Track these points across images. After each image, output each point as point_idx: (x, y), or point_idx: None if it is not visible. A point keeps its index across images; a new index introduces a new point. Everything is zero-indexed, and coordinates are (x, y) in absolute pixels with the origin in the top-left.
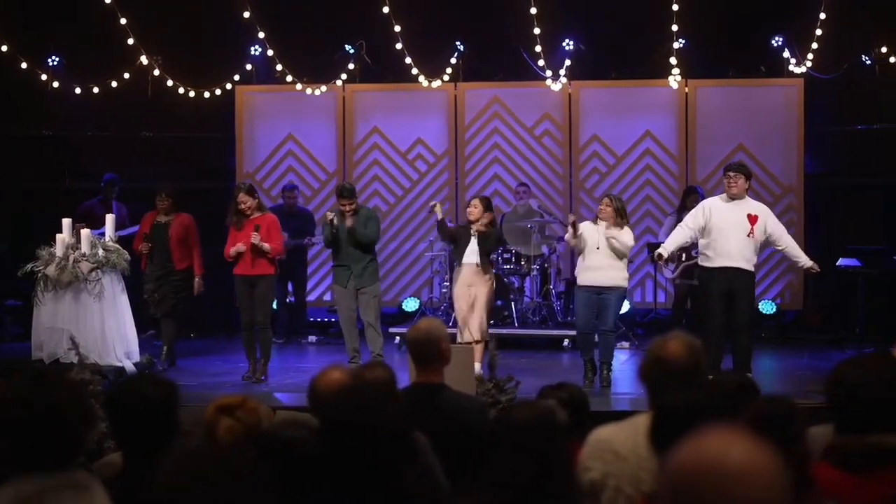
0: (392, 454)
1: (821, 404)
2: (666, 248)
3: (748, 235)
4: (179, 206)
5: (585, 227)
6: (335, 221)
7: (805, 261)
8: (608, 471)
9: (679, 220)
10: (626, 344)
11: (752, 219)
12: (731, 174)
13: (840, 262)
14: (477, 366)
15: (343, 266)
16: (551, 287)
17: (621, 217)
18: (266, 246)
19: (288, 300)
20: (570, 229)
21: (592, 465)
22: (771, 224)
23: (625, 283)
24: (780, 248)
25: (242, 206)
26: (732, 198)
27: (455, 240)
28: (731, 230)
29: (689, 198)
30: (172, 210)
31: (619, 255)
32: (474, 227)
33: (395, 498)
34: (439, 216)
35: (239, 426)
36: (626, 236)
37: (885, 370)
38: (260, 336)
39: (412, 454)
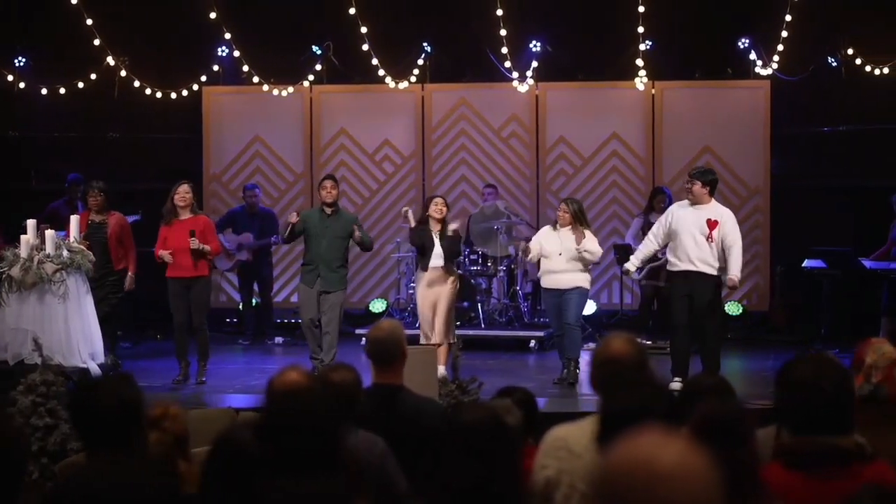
0: (323, 453)
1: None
2: (633, 264)
3: (707, 240)
4: (112, 204)
5: (544, 234)
6: (295, 225)
7: (731, 274)
8: (563, 468)
9: (646, 221)
10: (592, 345)
11: (712, 224)
12: (689, 179)
13: (806, 263)
14: (441, 368)
15: (311, 266)
16: (518, 288)
17: (580, 222)
18: (207, 248)
19: (254, 301)
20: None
21: (548, 463)
22: (725, 230)
23: (586, 284)
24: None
25: (181, 203)
26: (693, 203)
27: (424, 246)
28: (690, 234)
29: (656, 199)
30: (105, 208)
31: (587, 263)
32: (438, 228)
33: (330, 498)
34: (412, 223)
35: (168, 437)
36: (592, 244)
37: (830, 372)
38: (197, 338)
39: (340, 454)
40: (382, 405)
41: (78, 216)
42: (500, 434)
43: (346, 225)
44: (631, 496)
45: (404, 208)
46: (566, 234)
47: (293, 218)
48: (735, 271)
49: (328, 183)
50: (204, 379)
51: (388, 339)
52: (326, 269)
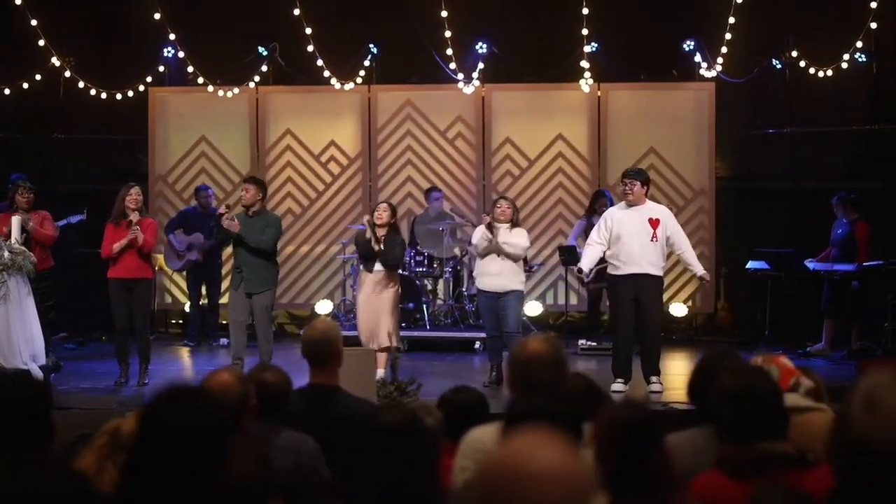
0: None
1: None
2: (584, 265)
3: (651, 240)
4: (40, 203)
5: (479, 235)
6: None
7: (698, 269)
8: None
9: (588, 223)
10: None
11: (654, 223)
12: (627, 181)
13: (749, 264)
14: (381, 371)
15: (237, 269)
16: (463, 289)
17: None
18: (141, 236)
19: (201, 302)
20: (486, 231)
21: (466, 465)
22: (671, 227)
23: (521, 286)
24: (677, 252)
25: (132, 205)
26: (631, 204)
27: (368, 253)
28: (635, 237)
29: (598, 202)
30: (34, 207)
31: (515, 259)
32: (382, 234)
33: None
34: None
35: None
36: (517, 238)
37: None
38: (138, 341)
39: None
40: (316, 405)
41: (19, 217)
42: (416, 435)
43: (264, 225)
44: (506, 495)
45: (366, 217)
46: (502, 232)
47: (222, 209)
48: (698, 265)
49: (245, 185)
50: (146, 381)
51: (322, 339)
52: (250, 271)
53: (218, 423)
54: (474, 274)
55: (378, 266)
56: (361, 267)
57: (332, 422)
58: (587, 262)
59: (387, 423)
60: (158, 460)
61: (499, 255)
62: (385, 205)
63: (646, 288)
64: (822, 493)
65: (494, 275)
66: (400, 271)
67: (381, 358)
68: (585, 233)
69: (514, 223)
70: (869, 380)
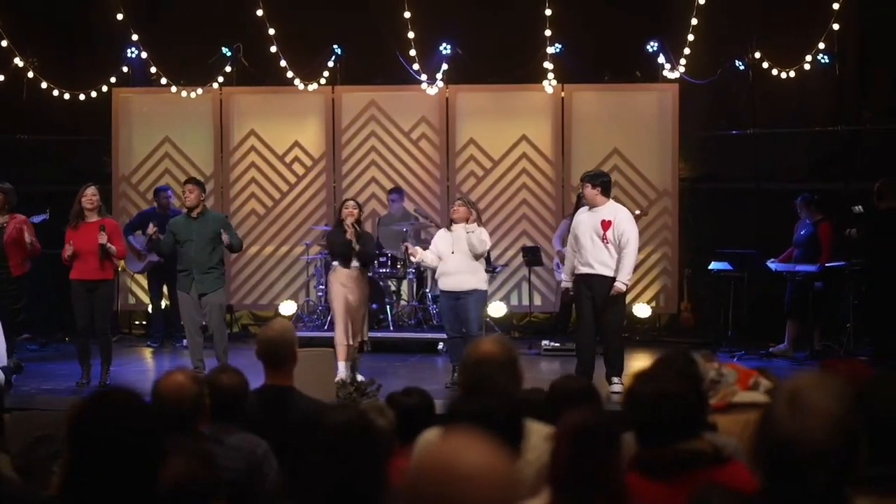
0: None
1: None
2: (566, 281)
3: (602, 241)
4: (13, 206)
5: (438, 237)
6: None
7: (621, 276)
8: None
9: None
10: None
11: (606, 224)
12: (581, 184)
13: (712, 265)
14: (342, 366)
15: (185, 271)
16: (427, 290)
17: (477, 220)
18: (113, 248)
19: (163, 304)
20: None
21: None
22: (619, 229)
23: (483, 286)
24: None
25: (89, 205)
26: (589, 207)
27: (344, 252)
28: (588, 238)
29: (581, 203)
30: (5, 209)
31: (476, 253)
32: (352, 232)
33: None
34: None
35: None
36: (484, 234)
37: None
38: (100, 342)
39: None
40: (272, 407)
41: None
42: (365, 435)
43: (214, 226)
44: (432, 495)
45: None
46: (459, 231)
47: (151, 229)
48: (623, 276)
49: (187, 187)
50: (108, 382)
51: (278, 339)
52: (199, 273)
53: (149, 425)
54: (436, 276)
55: (355, 262)
56: (336, 263)
57: (288, 423)
58: (567, 273)
59: (335, 423)
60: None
61: (453, 253)
62: (353, 202)
63: (598, 288)
64: (738, 487)
65: (452, 273)
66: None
67: (343, 351)
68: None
69: (477, 223)
70: (794, 379)
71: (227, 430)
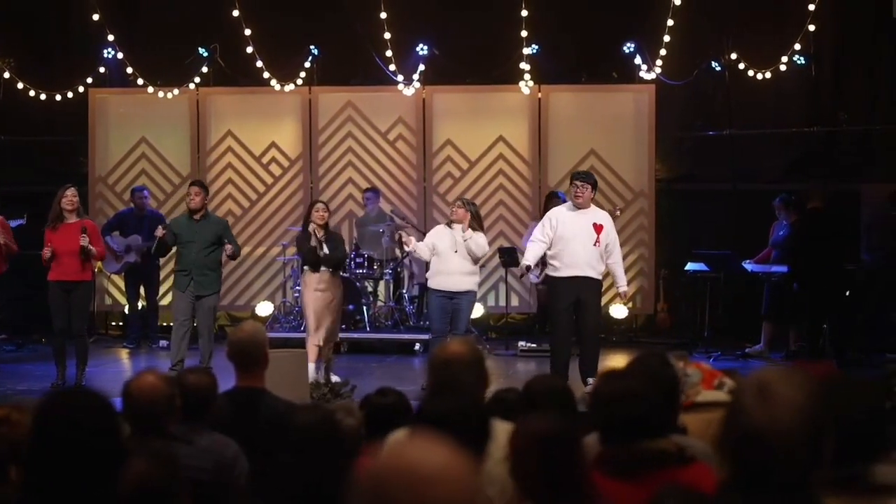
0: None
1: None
2: (529, 260)
3: (594, 244)
4: None
5: (436, 232)
6: (162, 239)
7: (622, 283)
8: None
9: None
10: None
11: (598, 228)
12: (579, 183)
13: (688, 266)
14: (311, 367)
15: (184, 272)
16: (404, 291)
17: (477, 223)
18: (94, 250)
19: (140, 305)
20: (404, 247)
21: None
22: (611, 235)
23: (476, 288)
24: (608, 261)
25: (69, 207)
26: (578, 207)
27: (312, 254)
28: (578, 239)
29: (552, 203)
30: None
31: (475, 258)
32: (321, 234)
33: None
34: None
35: (3, 444)
36: (482, 239)
37: (636, 385)
38: (76, 343)
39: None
40: (243, 409)
41: None
42: (331, 436)
43: (216, 229)
44: (393, 497)
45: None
46: (460, 232)
47: (159, 232)
48: (623, 281)
49: (192, 189)
50: (83, 383)
51: (249, 341)
52: (199, 274)
53: (110, 425)
54: (427, 274)
55: (323, 266)
56: (306, 267)
57: (259, 425)
58: (531, 257)
59: (302, 424)
60: (50, 460)
61: (456, 252)
62: (322, 205)
63: (586, 290)
64: (701, 488)
65: (450, 273)
66: (340, 273)
67: (314, 351)
68: None
69: (475, 227)
70: (762, 371)
71: (197, 431)
